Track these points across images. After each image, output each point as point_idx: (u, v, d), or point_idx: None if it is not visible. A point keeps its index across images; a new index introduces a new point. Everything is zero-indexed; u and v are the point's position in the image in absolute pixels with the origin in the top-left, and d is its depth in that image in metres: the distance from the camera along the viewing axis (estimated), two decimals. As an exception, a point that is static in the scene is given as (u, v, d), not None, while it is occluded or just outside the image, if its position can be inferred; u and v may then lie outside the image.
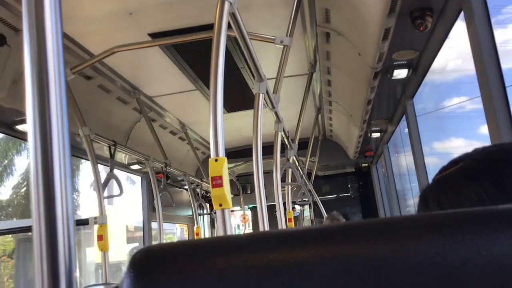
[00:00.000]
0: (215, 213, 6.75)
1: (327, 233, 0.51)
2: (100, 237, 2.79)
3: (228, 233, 1.58)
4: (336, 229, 0.53)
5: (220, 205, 1.52)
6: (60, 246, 0.54)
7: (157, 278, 0.48)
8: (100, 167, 3.90)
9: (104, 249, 2.83)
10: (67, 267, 0.53)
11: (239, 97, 4.65)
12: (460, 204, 0.69)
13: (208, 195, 7.36)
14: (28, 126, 0.58)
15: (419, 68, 3.37)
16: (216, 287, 0.47)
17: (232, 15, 1.83)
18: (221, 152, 1.56)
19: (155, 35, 3.23)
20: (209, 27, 3.06)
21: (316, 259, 0.47)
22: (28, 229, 3.73)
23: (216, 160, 1.53)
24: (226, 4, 1.72)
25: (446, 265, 0.45)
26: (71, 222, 0.56)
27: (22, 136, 3.51)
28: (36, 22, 0.59)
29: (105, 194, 3.44)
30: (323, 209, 6.34)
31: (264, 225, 2.41)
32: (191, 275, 0.48)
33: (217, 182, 1.49)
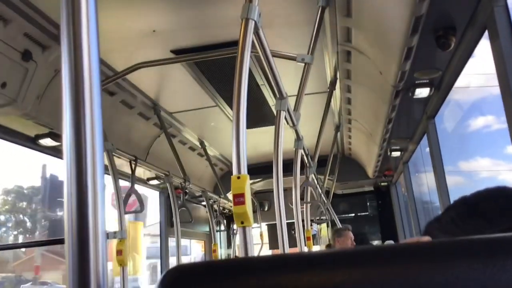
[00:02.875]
0: (232, 230, 6.77)
1: (361, 255, 0.50)
2: (119, 252, 2.80)
3: (249, 250, 1.57)
4: (368, 252, 0.52)
5: (242, 222, 1.51)
6: (91, 259, 0.54)
7: None
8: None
9: (123, 264, 2.83)
10: (99, 280, 0.53)
11: (258, 114, 4.66)
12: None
13: (225, 211, 7.34)
14: (64, 141, 0.58)
15: (442, 87, 3.34)
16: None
17: (256, 33, 1.84)
18: (244, 169, 1.55)
19: (177, 52, 3.28)
20: (231, 44, 3.10)
21: (351, 282, 0.46)
22: (60, 241, 3.76)
23: (238, 178, 1.53)
24: (251, 23, 1.73)
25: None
26: (103, 235, 0.56)
27: (45, 151, 3.56)
28: (73, 40, 0.60)
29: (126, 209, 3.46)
30: (350, 227, 6.26)
31: (284, 243, 2.38)
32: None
33: (239, 199, 1.49)
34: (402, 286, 0.45)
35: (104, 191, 0.58)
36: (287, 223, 2.61)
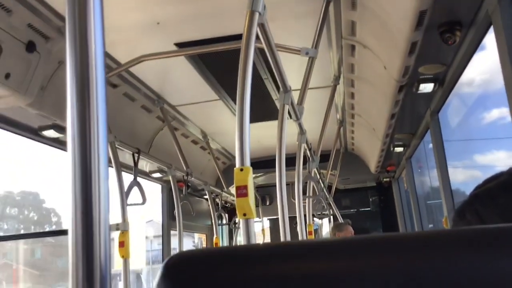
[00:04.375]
0: (233, 223, 6.76)
1: (362, 244, 0.50)
2: (122, 244, 2.80)
3: (252, 242, 1.57)
4: (371, 241, 0.52)
5: (244, 214, 1.51)
6: (96, 250, 0.54)
7: (190, 284, 0.48)
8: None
9: (125, 256, 2.84)
10: (103, 272, 0.53)
11: (261, 108, 4.65)
12: (499, 213, 0.70)
13: (227, 205, 7.35)
14: (68, 132, 0.58)
15: (446, 82, 3.32)
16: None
17: (261, 25, 1.83)
18: (247, 162, 1.55)
19: (181, 45, 3.27)
20: (235, 37, 3.09)
21: (357, 270, 0.46)
22: (63, 232, 3.77)
23: (241, 170, 1.53)
24: (256, 15, 1.73)
25: (485, 281, 0.44)
26: (107, 227, 0.56)
27: (48, 142, 3.57)
28: (79, 31, 0.60)
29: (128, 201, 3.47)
30: (350, 222, 6.27)
31: (286, 238, 2.38)
32: (224, 282, 0.47)
33: (242, 191, 1.49)
34: (405, 274, 0.45)
35: (108, 183, 0.58)
36: (289, 217, 2.61)
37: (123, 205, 3.01)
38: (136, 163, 3.70)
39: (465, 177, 4.32)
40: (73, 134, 0.58)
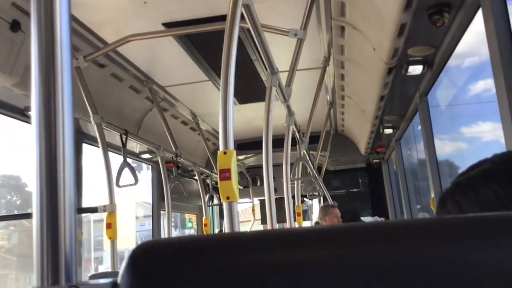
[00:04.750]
0: (224, 204, 6.72)
1: (334, 234, 0.49)
2: (109, 225, 2.81)
3: (236, 225, 1.58)
4: (345, 230, 0.51)
5: (228, 198, 1.51)
6: (61, 234, 0.53)
7: (156, 274, 0.47)
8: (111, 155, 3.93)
9: (112, 237, 2.85)
10: (68, 256, 0.53)
11: (251, 89, 4.63)
12: (479, 204, 0.70)
13: (217, 186, 7.35)
14: (32, 111, 0.57)
15: (435, 64, 3.32)
16: (216, 285, 0.46)
17: (246, 6, 1.81)
18: (231, 145, 1.55)
19: (169, 25, 3.23)
20: (222, 18, 3.04)
21: (319, 261, 0.46)
22: (28, 216, 3.76)
23: (225, 153, 1.52)
24: (240, -5, 1.70)
25: (456, 271, 0.44)
26: (73, 210, 0.55)
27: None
28: (44, 6, 0.58)
29: (120, 183, 3.47)
30: (336, 203, 6.32)
31: (272, 219, 2.40)
32: (191, 272, 0.47)
33: (225, 175, 1.48)
34: (392, 263, 0.44)
35: (73, 163, 0.57)
36: (279, 198, 2.62)
37: (110, 186, 3.00)
38: (124, 144, 3.68)
39: (452, 150, 4.36)
40: (37, 112, 0.56)
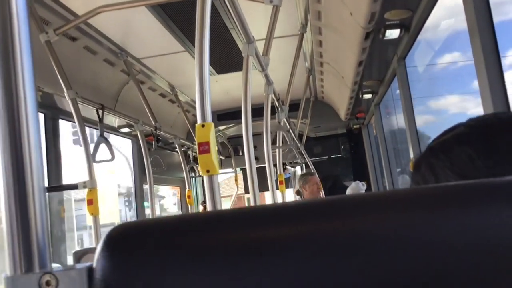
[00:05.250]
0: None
1: (309, 208, 0.49)
2: (90, 201, 2.79)
3: (217, 198, 1.57)
4: (322, 204, 0.51)
5: (208, 171, 1.50)
6: (31, 219, 0.51)
7: (132, 258, 0.46)
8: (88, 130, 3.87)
9: (94, 213, 2.83)
10: (40, 241, 0.51)
11: (229, 58, 4.57)
12: (451, 167, 0.70)
13: (199, 157, 7.34)
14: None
15: (412, 28, 3.31)
16: (195, 267, 0.45)
17: (219, -27, 1.75)
18: (208, 117, 1.52)
19: (141, -5, 3.12)
20: (197, -15, 2.97)
21: (298, 236, 0.46)
22: None
23: (203, 126, 1.50)
24: (212, -39, 1.65)
25: (432, 240, 0.44)
26: (42, 192, 0.53)
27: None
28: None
29: (97, 158, 3.42)
30: (314, 170, 6.37)
31: (254, 188, 2.41)
32: (168, 255, 0.46)
33: (204, 148, 1.47)
34: (376, 236, 0.44)
35: (40, 137, 0.55)
36: (261, 167, 2.62)
37: (89, 162, 2.96)
38: (101, 119, 3.62)
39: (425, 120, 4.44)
40: None
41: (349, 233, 0.44)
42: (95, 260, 0.46)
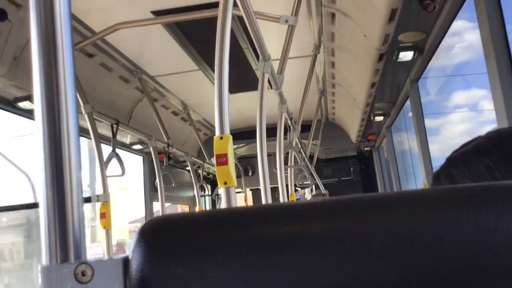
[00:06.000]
0: (216, 194, 6.77)
1: (344, 205, 0.49)
2: (103, 215, 2.80)
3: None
4: (354, 202, 0.52)
5: (225, 183, 1.51)
6: (69, 223, 0.52)
7: (167, 248, 0.47)
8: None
9: (107, 227, 2.84)
10: (76, 233, 0.52)
11: (241, 78, 4.61)
12: (470, 177, 0.72)
13: (209, 176, 7.35)
14: (36, 101, 0.55)
15: (425, 50, 3.33)
16: (231, 260, 0.46)
17: (239, -9, 1.79)
18: (226, 130, 1.54)
19: (158, 13, 3.19)
20: (213, 5, 3.03)
21: (333, 233, 0.46)
22: (34, 206, 3.73)
23: (221, 138, 1.52)
24: (233, -20, 1.69)
25: (464, 239, 0.44)
26: (80, 199, 0.55)
27: (24, 114, 3.49)
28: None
29: (107, 173, 3.44)
30: (326, 191, 6.35)
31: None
32: (202, 245, 0.47)
33: (222, 160, 1.48)
34: (385, 235, 0.45)
35: (80, 153, 0.56)
36: (271, 187, 2.62)
37: (103, 176, 2.99)
38: (114, 134, 3.65)
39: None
40: (41, 102, 0.55)
41: (364, 232, 0.45)
42: (131, 251, 0.47)
